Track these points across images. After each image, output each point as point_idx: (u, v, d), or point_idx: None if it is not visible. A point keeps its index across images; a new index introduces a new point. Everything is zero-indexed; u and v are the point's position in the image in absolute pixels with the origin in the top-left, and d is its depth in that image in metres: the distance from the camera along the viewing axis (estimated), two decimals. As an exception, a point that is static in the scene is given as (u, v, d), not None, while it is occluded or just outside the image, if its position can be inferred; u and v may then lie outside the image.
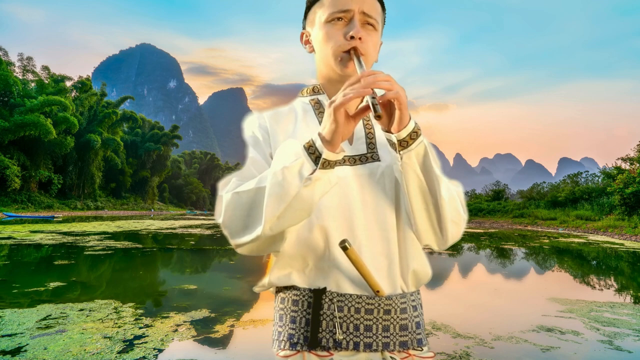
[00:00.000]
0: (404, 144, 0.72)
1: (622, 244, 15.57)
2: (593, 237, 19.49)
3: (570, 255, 11.92)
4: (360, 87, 0.66)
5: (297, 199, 0.70)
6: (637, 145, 24.40)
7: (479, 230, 25.17)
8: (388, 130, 0.73)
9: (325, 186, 0.72)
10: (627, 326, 4.18)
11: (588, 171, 38.74)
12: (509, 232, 24.57)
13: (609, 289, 6.72)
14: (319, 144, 0.70)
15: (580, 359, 3.26)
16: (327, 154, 0.69)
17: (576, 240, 17.57)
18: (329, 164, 0.70)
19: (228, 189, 0.78)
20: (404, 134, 0.71)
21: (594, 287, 6.79)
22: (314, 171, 0.70)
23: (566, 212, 29.83)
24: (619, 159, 25.74)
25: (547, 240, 17.08)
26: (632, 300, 5.76)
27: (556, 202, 33.32)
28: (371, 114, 0.80)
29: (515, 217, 34.81)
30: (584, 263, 10.29)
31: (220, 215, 0.77)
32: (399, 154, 0.74)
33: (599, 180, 34.23)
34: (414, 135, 0.72)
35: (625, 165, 25.05)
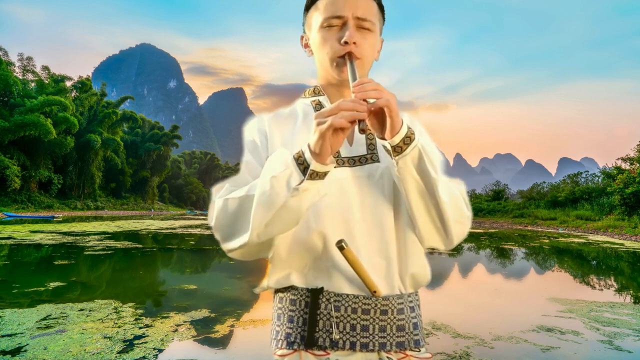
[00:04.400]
0: (398, 150, 0.73)
1: (622, 244, 15.57)
2: (593, 237, 19.49)
3: (570, 255, 11.92)
4: (356, 109, 0.67)
5: (284, 208, 0.71)
6: (637, 145, 24.41)
7: (479, 230, 25.16)
8: (382, 137, 0.73)
9: (314, 197, 0.72)
10: (627, 326, 4.18)
11: (588, 171, 38.73)
12: (509, 232, 24.57)
13: (609, 289, 6.72)
14: (307, 155, 0.70)
15: (580, 359, 3.26)
16: (315, 166, 0.70)
17: (576, 240, 17.57)
18: (317, 175, 0.70)
19: (221, 194, 0.80)
20: (397, 140, 0.72)
21: (594, 287, 6.79)
22: (302, 182, 0.70)
23: (566, 212, 29.82)
24: (619, 159, 25.76)
25: (547, 240, 17.08)
26: (632, 300, 5.76)
27: (556, 202, 33.32)
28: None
29: (515, 217, 34.80)
30: (584, 263, 10.29)
31: (212, 220, 0.80)
32: (394, 159, 0.74)
33: (599, 180, 34.22)
34: (407, 140, 0.72)
35: (625, 165, 25.05)
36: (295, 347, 0.79)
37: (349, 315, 0.78)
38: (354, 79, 0.76)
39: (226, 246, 0.79)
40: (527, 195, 41.67)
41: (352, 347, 0.77)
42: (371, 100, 0.69)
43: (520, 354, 3.33)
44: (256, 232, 0.72)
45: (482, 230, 25.35)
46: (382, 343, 0.78)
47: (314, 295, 0.79)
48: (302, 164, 0.71)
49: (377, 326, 0.79)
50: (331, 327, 0.77)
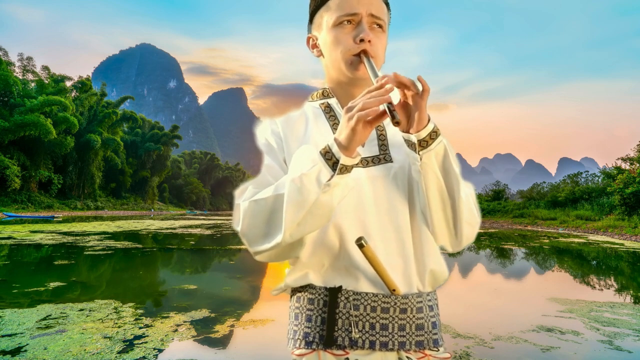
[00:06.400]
0: (423, 144, 0.73)
1: (622, 244, 15.56)
2: (593, 237, 19.48)
3: (570, 255, 11.91)
4: (380, 94, 0.67)
5: (316, 205, 0.70)
6: (637, 145, 24.40)
7: (479, 230, 25.13)
8: (407, 131, 0.73)
9: (344, 191, 0.72)
10: (627, 326, 4.18)
11: (588, 171, 38.71)
12: (509, 232, 24.58)
13: (609, 289, 6.71)
14: (335, 149, 0.70)
15: (580, 359, 3.26)
16: (344, 159, 0.69)
17: (576, 240, 17.57)
18: (346, 169, 0.70)
19: (245, 197, 0.78)
20: (423, 134, 0.72)
21: (594, 287, 6.78)
22: (332, 177, 0.70)
23: (566, 212, 29.81)
24: (619, 159, 25.73)
25: (547, 240, 17.07)
26: (632, 300, 5.76)
27: (556, 202, 33.30)
28: (388, 120, 0.81)
29: (515, 217, 34.79)
30: (584, 263, 10.29)
31: (239, 223, 0.77)
32: (419, 154, 0.74)
33: (599, 180, 34.21)
34: (434, 135, 0.72)
35: (625, 165, 25.04)
36: (314, 346, 0.78)
37: (368, 314, 0.77)
38: (375, 75, 0.75)
39: (256, 249, 0.77)
40: (527, 195, 41.66)
41: (372, 346, 0.77)
42: (394, 98, 0.70)
43: (520, 354, 3.33)
44: (289, 231, 0.71)
45: (482, 230, 25.35)
46: (401, 342, 0.78)
47: (333, 294, 0.78)
48: (330, 159, 0.70)
49: (396, 325, 0.78)
50: (350, 326, 0.77)
